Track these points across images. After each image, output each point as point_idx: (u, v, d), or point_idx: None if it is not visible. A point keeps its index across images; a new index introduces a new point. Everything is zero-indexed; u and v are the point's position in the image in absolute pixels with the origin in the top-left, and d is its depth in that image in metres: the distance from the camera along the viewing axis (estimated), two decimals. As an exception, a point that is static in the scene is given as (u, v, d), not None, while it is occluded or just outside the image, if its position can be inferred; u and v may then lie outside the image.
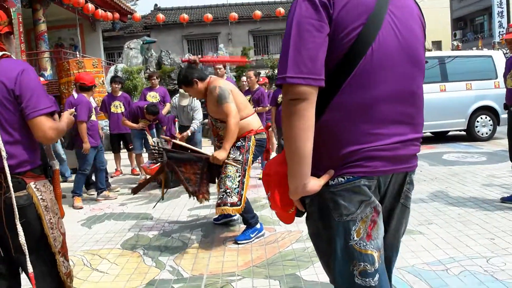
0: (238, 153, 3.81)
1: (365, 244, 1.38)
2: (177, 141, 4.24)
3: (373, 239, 1.39)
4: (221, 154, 3.68)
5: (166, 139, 6.73)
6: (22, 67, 1.93)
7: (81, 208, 5.57)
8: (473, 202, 4.59)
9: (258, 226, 3.95)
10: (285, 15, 18.94)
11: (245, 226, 3.98)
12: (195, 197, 3.89)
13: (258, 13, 17.25)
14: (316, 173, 1.38)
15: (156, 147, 4.00)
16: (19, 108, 1.89)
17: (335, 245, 1.41)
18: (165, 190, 4.20)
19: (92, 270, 3.44)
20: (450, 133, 9.87)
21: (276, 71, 16.51)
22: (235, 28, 21.61)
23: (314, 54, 1.29)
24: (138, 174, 7.46)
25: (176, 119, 7.14)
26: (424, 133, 9.37)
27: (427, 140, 9.29)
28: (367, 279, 1.38)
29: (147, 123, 6.80)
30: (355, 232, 1.37)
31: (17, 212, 1.86)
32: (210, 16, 18.11)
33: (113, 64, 15.31)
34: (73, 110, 2.46)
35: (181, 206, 4.88)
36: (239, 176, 3.75)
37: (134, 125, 6.67)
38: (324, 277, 2.97)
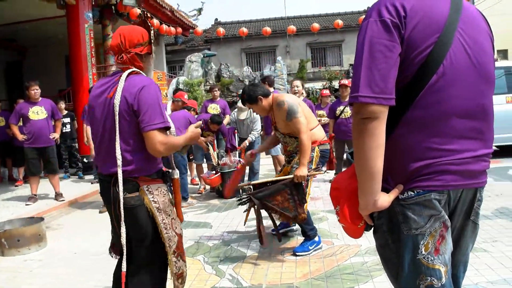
0: None
1: (433, 258, 1.39)
2: (255, 181, 4.31)
3: (441, 254, 1.39)
4: (303, 171, 3.67)
5: (226, 150, 6.91)
6: (144, 84, 2.08)
7: None
8: (544, 222, 4.34)
9: (316, 238, 3.97)
10: (343, 27, 18.78)
11: (303, 238, 4.02)
12: (296, 222, 3.91)
13: (316, 25, 17.19)
14: (385, 187, 1.40)
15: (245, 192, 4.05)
16: (136, 120, 2.06)
17: (402, 258, 1.42)
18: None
19: (156, 275, 3.61)
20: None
21: (333, 83, 16.49)
22: (293, 40, 21.69)
23: (386, 74, 1.31)
24: (197, 184, 7.68)
25: (236, 131, 7.29)
26: (490, 147, 8.86)
27: (492, 154, 8.76)
28: None
29: (212, 136, 6.93)
30: (424, 246, 1.38)
31: (123, 212, 2.05)
32: (268, 29, 18.26)
33: (175, 77, 15.91)
34: (200, 123, 2.65)
35: (239, 216, 4.96)
36: (301, 187, 3.79)
37: (202, 138, 6.70)
38: (384, 293, 2.96)
